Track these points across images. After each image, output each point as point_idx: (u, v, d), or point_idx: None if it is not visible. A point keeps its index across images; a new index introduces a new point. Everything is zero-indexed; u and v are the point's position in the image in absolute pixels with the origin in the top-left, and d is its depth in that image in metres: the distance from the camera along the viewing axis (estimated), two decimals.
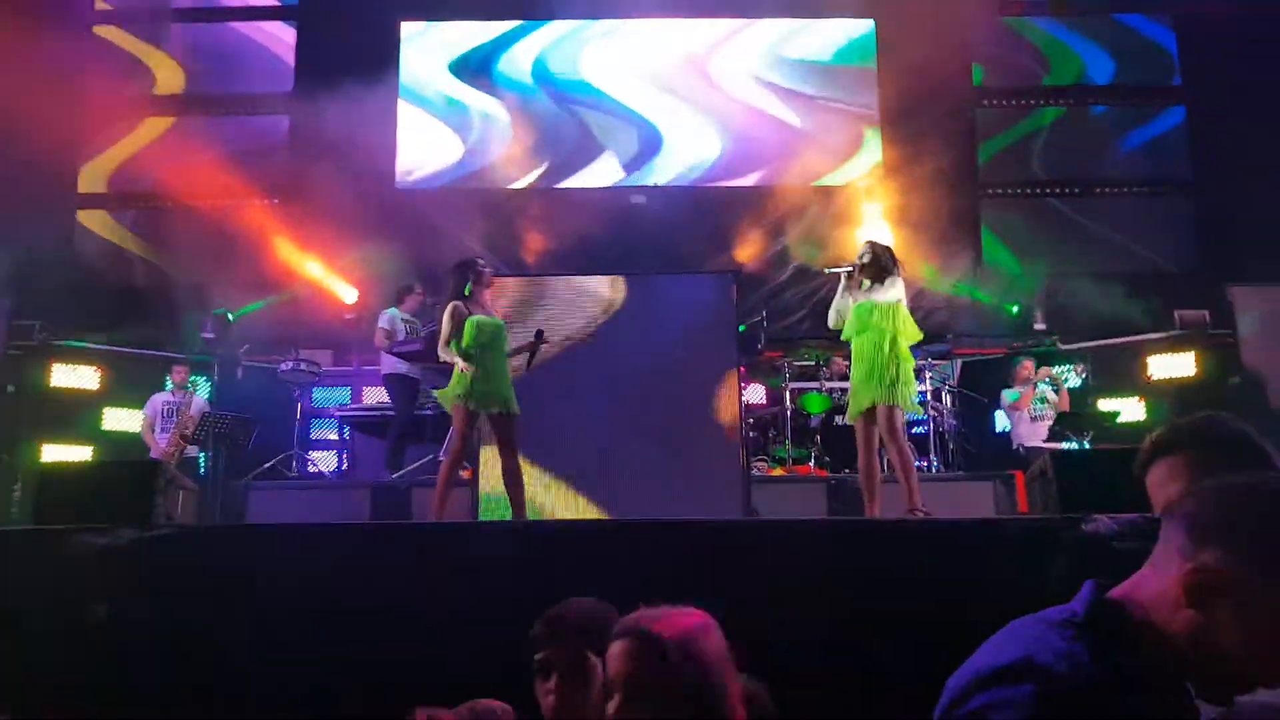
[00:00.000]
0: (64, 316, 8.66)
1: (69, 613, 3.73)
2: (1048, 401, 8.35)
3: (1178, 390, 8.79)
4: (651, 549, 4.18)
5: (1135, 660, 1.16)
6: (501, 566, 4.21)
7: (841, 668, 3.64)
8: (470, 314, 5.84)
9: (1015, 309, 10.09)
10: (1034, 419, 8.35)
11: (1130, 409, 8.91)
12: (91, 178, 9.92)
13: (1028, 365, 8.53)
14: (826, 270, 6.18)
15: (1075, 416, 8.13)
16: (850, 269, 5.88)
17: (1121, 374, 9.08)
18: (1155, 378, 9.04)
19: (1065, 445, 7.71)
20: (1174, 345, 8.96)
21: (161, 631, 3.74)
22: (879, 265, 5.83)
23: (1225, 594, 1.13)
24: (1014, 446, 8.35)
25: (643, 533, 4.50)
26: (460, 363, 5.72)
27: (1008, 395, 8.51)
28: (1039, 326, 9.75)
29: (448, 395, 5.82)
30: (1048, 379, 8.43)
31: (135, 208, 9.82)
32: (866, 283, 5.84)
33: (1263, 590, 1.11)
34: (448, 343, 5.80)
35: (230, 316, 8.89)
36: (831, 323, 6.01)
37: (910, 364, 5.80)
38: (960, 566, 4.04)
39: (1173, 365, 8.98)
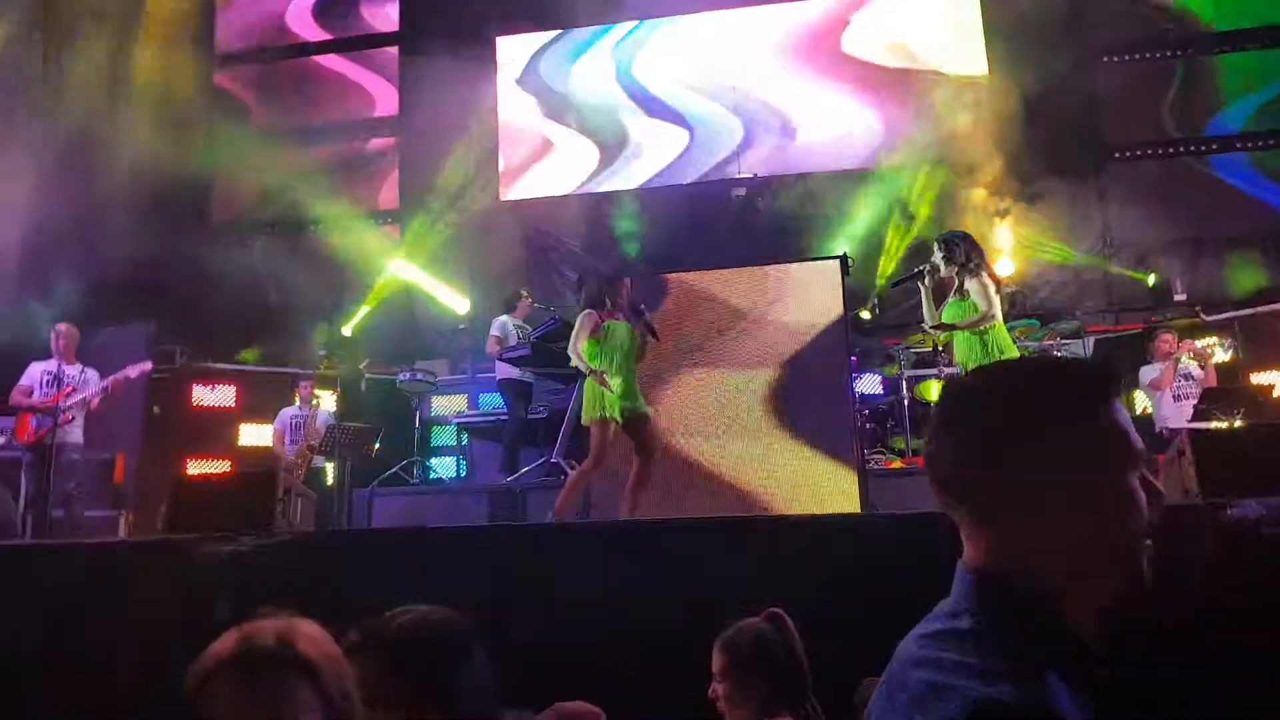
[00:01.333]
0: (201, 340, 9.16)
1: (197, 620, 3.89)
2: (1192, 378, 7.75)
3: None
4: (762, 546, 4.10)
5: (1060, 642, 1.06)
6: (604, 565, 4.20)
7: None
8: (605, 320, 5.82)
9: (1152, 278, 9.47)
10: (1177, 398, 7.74)
11: None
12: (220, 207, 10.51)
13: (1168, 339, 7.88)
14: (892, 282, 6.02)
15: (1224, 393, 7.54)
16: (922, 270, 5.78)
17: (1276, 345, 8.40)
18: None
19: (1213, 425, 7.17)
20: None
21: None
22: (951, 261, 5.71)
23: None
24: (1156, 430, 7.81)
25: (754, 529, 4.42)
26: (607, 382, 5.66)
27: (1146, 373, 7.95)
28: (1179, 297, 9.11)
29: (605, 410, 5.70)
30: (1190, 354, 7.84)
31: (262, 234, 10.29)
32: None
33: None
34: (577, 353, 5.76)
35: (345, 331, 9.19)
36: (928, 326, 5.94)
37: (1012, 351, 5.65)
38: None
39: None
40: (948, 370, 7.95)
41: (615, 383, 5.67)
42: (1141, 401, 8.52)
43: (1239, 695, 3.28)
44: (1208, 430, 6.38)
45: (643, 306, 6.09)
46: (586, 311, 5.86)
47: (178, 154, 9.28)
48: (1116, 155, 10.12)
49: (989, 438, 1.12)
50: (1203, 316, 8.54)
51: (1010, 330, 8.09)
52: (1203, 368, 7.71)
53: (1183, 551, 3.87)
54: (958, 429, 1.15)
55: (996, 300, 5.78)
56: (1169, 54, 10.26)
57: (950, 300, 5.89)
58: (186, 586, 3.97)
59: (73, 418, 6.99)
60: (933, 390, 7.98)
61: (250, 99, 10.42)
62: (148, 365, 7.18)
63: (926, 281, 5.87)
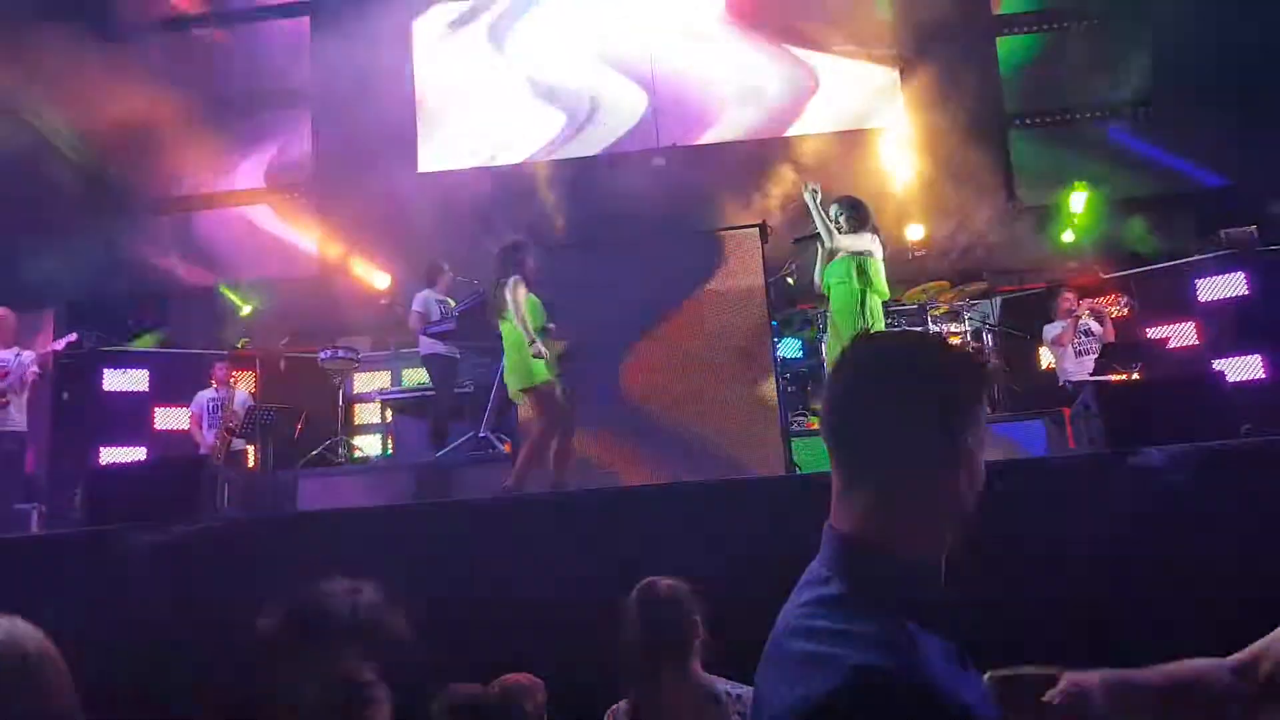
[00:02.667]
0: (110, 323, 8.85)
1: (126, 610, 3.84)
2: (1092, 334, 8.13)
3: (1231, 311, 8.54)
4: (689, 509, 4.19)
5: (923, 598, 1.15)
6: (541, 538, 4.25)
7: None
8: (529, 293, 5.90)
9: (1067, 236, 9.83)
10: (1079, 354, 8.13)
11: (1182, 334, 8.69)
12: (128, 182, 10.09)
13: (1068, 297, 8.27)
14: (794, 239, 6.23)
15: (1122, 347, 7.92)
16: (813, 232, 6.01)
17: (1170, 299, 8.83)
18: (1205, 300, 8.81)
19: (1113, 378, 7.53)
20: (1222, 265, 8.70)
21: (213, 623, 3.82)
22: (846, 219, 6.00)
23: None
24: (1060, 383, 8.18)
25: (678, 494, 4.51)
26: (538, 346, 5.75)
27: (1049, 330, 8.32)
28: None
29: (539, 377, 5.79)
30: (1089, 311, 8.21)
31: (173, 211, 9.94)
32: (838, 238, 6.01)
33: None
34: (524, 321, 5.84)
35: (237, 301, 8.99)
36: (816, 285, 6.17)
37: (880, 323, 5.93)
38: (1008, 507, 3.98)
39: (1223, 286, 8.73)
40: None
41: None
42: (1046, 357, 8.91)
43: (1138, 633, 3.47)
44: (1110, 383, 6.70)
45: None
46: (517, 278, 5.89)
47: (84, 128, 8.90)
48: (1018, 122, 10.50)
49: (903, 399, 1.20)
50: (1100, 274, 8.92)
51: (921, 290, 8.44)
52: (1100, 323, 8.09)
53: (1091, 500, 4.11)
54: (872, 385, 1.23)
55: (875, 246, 6.11)
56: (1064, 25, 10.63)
57: (834, 260, 6.14)
58: (116, 579, 3.90)
59: (8, 401, 6.68)
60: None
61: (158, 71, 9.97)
62: (73, 336, 6.89)
63: (826, 243, 6.10)
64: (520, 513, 4.70)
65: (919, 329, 7.64)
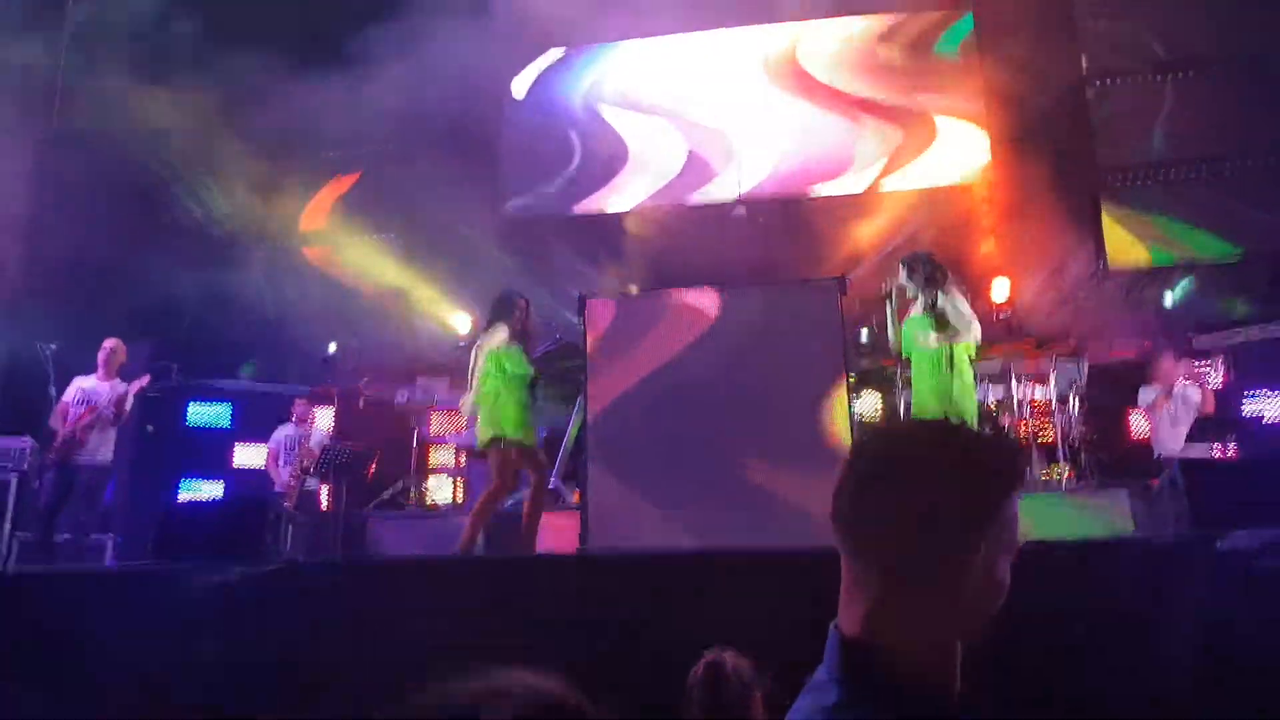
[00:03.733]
0: (198, 357, 9.14)
1: (185, 647, 3.89)
2: (1190, 403, 7.70)
3: None
4: (758, 579, 4.08)
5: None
6: (608, 596, 4.18)
7: None
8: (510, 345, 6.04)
9: (1174, 293, 9.46)
10: (1174, 423, 7.70)
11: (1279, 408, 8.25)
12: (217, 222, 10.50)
13: (1167, 361, 7.82)
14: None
15: (1215, 420, 7.52)
16: (889, 289, 5.86)
17: (1267, 369, 8.38)
18: None
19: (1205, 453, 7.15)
20: None
21: (270, 663, 3.86)
22: (913, 279, 5.83)
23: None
24: (1155, 455, 7.77)
25: (748, 562, 4.41)
26: (465, 405, 6.08)
27: (1145, 395, 7.91)
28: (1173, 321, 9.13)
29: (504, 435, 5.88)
30: (1185, 377, 7.80)
31: (259, 249, 10.26)
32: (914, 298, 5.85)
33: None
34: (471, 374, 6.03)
35: (331, 351, 9.20)
36: (891, 348, 6.01)
37: (968, 377, 5.74)
38: (1076, 590, 3.77)
39: None
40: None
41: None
42: (1140, 426, 8.53)
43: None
44: (1198, 460, 6.36)
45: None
46: (495, 331, 6.05)
47: (175, 169, 9.30)
48: (1107, 181, 10.18)
49: (911, 504, 1.13)
50: (1193, 341, 8.52)
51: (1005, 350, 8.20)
52: (1200, 391, 7.67)
53: (1176, 584, 3.87)
54: (882, 486, 1.16)
55: (970, 316, 5.90)
56: (1160, 76, 10.33)
57: (912, 315, 5.95)
58: (174, 616, 3.97)
59: (88, 436, 6.73)
60: None
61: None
62: (146, 379, 7.12)
63: (893, 301, 5.93)
64: (587, 570, 4.66)
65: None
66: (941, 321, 5.89)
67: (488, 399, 5.99)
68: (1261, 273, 9.14)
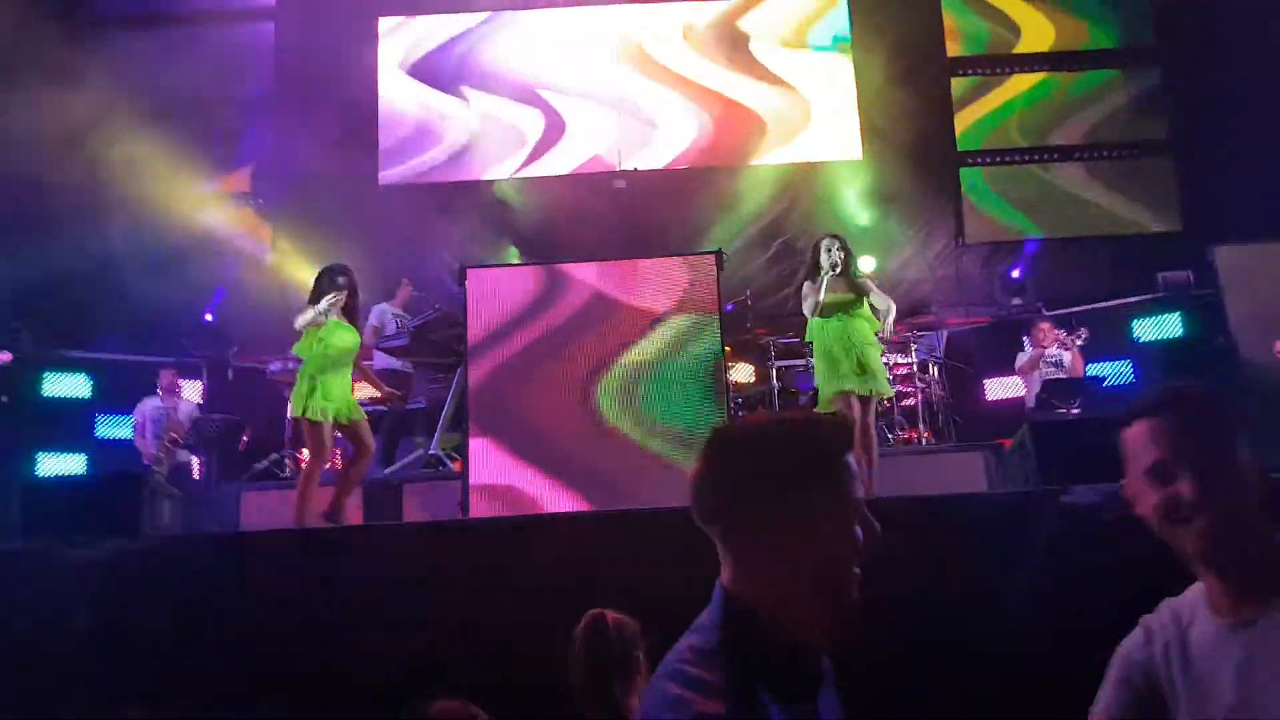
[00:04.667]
0: (53, 325, 8.68)
1: (58, 626, 3.79)
2: (1062, 366, 8.24)
3: (1165, 352, 8.81)
4: (633, 537, 4.23)
5: (778, 661, 1.26)
6: (488, 563, 4.26)
7: None
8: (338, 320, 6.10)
9: (1015, 273, 10.11)
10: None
11: (1119, 374, 8.95)
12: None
13: (1042, 327, 8.37)
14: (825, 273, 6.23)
15: (1062, 384, 8.11)
16: (833, 266, 6.10)
17: (1108, 338, 9.08)
18: (1142, 340, 9.08)
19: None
20: (1159, 307, 8.98)
21: (146, 641, 3.80)
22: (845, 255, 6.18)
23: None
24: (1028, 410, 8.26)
25: (624, 521, 4.56)
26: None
27: (1019, 359, 8.48)
28: (1023, 296, 9.76)
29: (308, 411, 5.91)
30: (1057, 343, 8.35)
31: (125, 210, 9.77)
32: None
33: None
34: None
35: (207, 318, 8.91)
36: (809, 311, 6.23)
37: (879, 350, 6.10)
38: (936, 543, 4.07)
39: (1159, 327, 9.01)
40: (813, 360, 8.29)
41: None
42: (992, 390, 9.12)
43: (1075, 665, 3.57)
44: (1044, 421, 6.86)
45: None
46: (322, 305, 6.04)
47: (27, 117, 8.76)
48: (969, 161, 10.77)
49: (739, 479, 1.32)
50: (1043, 311, 9.15)
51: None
52: (1070, 355, 8.23)
53: (1019, 536, 4.21)
54: (717, 467, 1.35)
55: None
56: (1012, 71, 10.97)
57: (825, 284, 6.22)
58: (47, 594, 3.85)
59: None
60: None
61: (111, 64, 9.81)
62: (7, 356, 6.78)
63: (824, 271, 6.20)
64: (465, 537, 4.72)
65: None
66: (861, 291, 6.26)
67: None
68: (1100, 253, 9.85)
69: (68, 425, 8.38)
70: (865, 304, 6.27)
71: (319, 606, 4.02)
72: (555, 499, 6.55)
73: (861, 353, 6.10)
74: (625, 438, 6.66)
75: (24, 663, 3.66)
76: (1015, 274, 10.08)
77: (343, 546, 4.53)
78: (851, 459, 1.35)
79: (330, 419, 5.90)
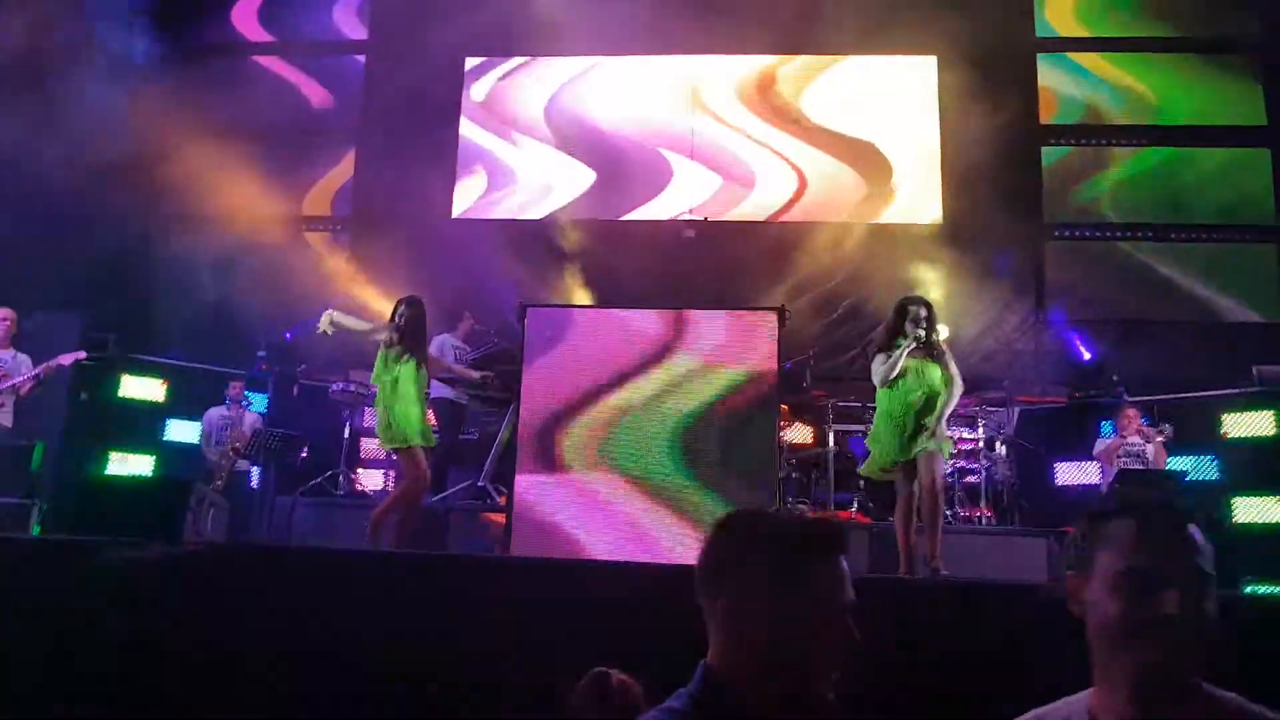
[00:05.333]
0: (135, 331, 9.02)
1: (92, 624, 3.86)
2: (1142, 457, 7.88)
3: (1255, 452, 8.34)
4: (662, 594, 4.14)
5: None
6: (530, 604, 4.21)
7: None
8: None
9: (1087, 355, 9.78)
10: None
11: (1202, 469, 8.51)
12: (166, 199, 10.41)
13: (1129, 414, 8.03)
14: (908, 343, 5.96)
15: (1139, 475, 7.72)
16: (918, 338, 5.85)
17: (1193, 431, 8.63)
18: (1230, 436, 8.63)
19: None
20: (1252, 402, 8.53)
21: (181, 647, 3.84)
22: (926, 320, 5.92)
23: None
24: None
25: (658, 579, 4.47)
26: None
27: (1098, 444, 8.18)
28: (1114, 377, 9.36)
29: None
30: (1139, 433, 8.00)
31: (208, 229, 10.15)
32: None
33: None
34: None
35: (287, 335, 9.15)
36: (878, 380, 5.99)
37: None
38: (988, 632, 3.89)
39: (1250, 424, 8.52)
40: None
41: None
42: (1063, 475, 8.77)
43: None
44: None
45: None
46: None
47: (124, 139, 9.18)
48: (1055, 235, 10.49)
49: (722, 563, 1.44)
50: (1125, 396, 8.77)
51: None
52: (1150, 446, 7.87)
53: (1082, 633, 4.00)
54: (708, 549, 1.47)
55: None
56: (1110, 141, 10.68)
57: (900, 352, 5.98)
58: (80, 591, 3.94)
59: (2, 403, 6.88)
60: None
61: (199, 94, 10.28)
62: (80, 354, 7.08)
63: (912, 345, 5.94)
64: (502, 574, 4.69)
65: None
66: (942, 363, 5.97)
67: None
68: (1189, 339, 9.46)
69: (141, 426, 8.65)
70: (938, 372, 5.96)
71: (346, 629, 4.03)
72: (596, 543, 6.49)
73: (924, 418, 5.85)
74: (672, 488, 6.59)
75: (49, 655, 3.75)
76: (1086, 356, 9.74)
77: (377, 570, 4.54)
78: (843, 563, 1.42)
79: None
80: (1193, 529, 1.43)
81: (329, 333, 6.36)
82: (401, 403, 6.21)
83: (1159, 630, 1.35)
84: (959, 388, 6.06)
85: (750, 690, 1.36)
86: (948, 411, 5.98)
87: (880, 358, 6.03)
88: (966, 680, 3.63)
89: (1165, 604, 1.35)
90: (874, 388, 6.17)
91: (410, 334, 6.39)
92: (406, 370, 6.30)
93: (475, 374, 7.38)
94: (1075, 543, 1.53)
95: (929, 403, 5.87)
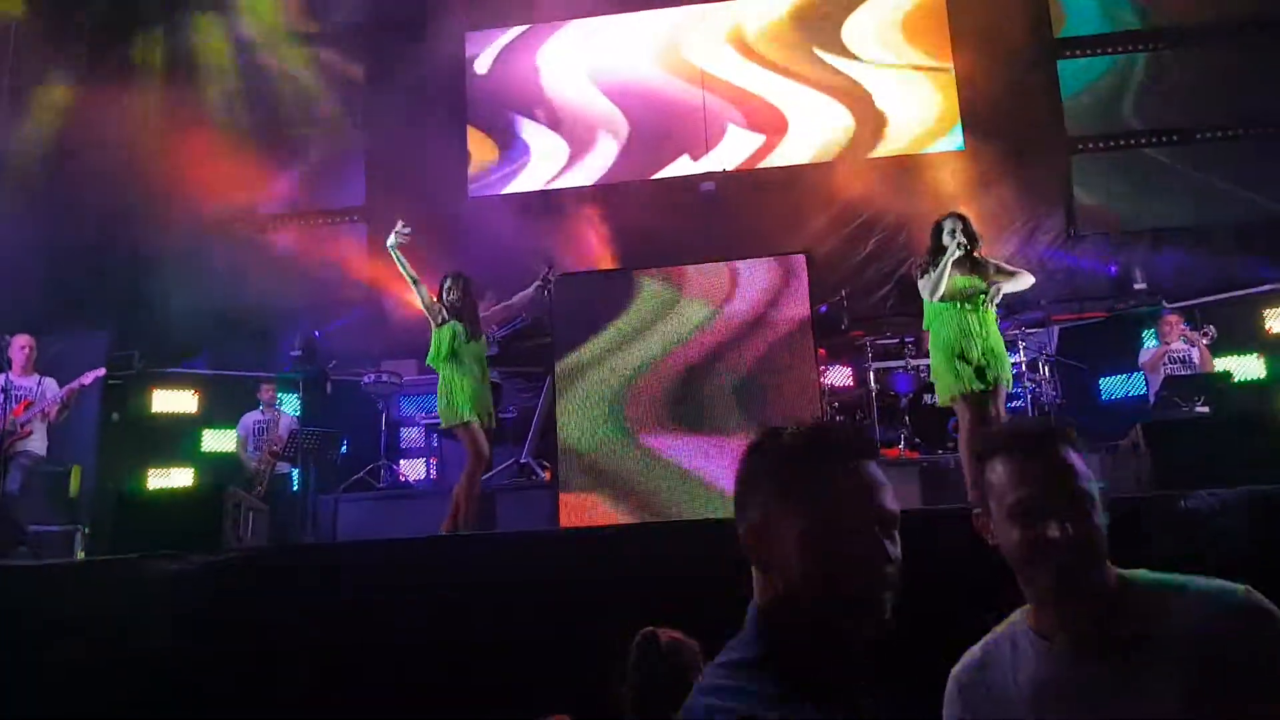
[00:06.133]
0: (161, 344, 9.01)
1: (142, 639, 3.83)
2: (1189, 362, 7.74)
3: None
4: (715, 548, 4.05)
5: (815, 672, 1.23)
6: (573, 574, 4.14)
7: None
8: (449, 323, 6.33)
9: (1112, 270, 9.55)
10: None
11: (1248, 367, 8.29)
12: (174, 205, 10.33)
13: (1169, 320, 7.89)
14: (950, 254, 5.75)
15: (1185, 380, 7.54)
16: (960, 245, 5.68)
17: (1237, 331, 8.40)
18: (1275, 331, 8.41)
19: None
20: None
21: (229, 655, 3.80)
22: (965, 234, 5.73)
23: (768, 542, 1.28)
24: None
25: (706, 529, 4.37)
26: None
27: (1143, 354, 8.04)
28: (1139, 286, 9.15)
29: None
30: (1183, 337, 7.83)
31: (219, 233, 10.09)
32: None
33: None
34: None
35: (315, 333, 9.11)
36: (928, 295, 5.81)
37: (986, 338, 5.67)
38: None
39: None
40: (914, 362, 7.95)
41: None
42: (1109, 388, 8.59)
43: None
44: (1159, 421, 6.37)
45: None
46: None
47: (128, 151, 9.15)
48: (1080, 148, 10.16)
49: (754, 489, 1.32)
50: (1164, 304, 8.55)
51: None
52: (1197, 350, 7.72)
53: (1130, 544, 3.87)
54: (739, 478, 1.36)
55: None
56: (1130, 47, 10.31)
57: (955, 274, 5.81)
58: (133, 607, 3.90)
59: (31, 431, 6.88)
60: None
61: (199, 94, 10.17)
62: (100, 371, 7.05)
63: (956, 253, 5.74)
64: (546, 547, 4.62)
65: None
66: (986, 275, 5.80)
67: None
68: (1225, 239, 9.19)
69: (177, 440, 8.66)
70: (989, 292, 5.75)
71: (401, 618, 3.97)
72: (642, 509, 6.44)
73: (982, 345, 5.67)
74: (713, 443, 6.51)
75: (101, 673, 3.72)
76: (1112, 270, 9.49)
77: (425, 556, 4.48)
78: (873, 468, 1.30)
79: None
80: (1070, 454, 1.56)
81: (397, 245, 6.30)
82: (460, 379, 6.18)
83: (1048, 553, 1.50)
84: (1025, 275, 5.88)
85: (812, 622, 1.24)
86: (1010, 288, 5.82)
87: (928, 276, 5.85)
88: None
89: (1049, 529, 1.50)
90: (914, 323, 6.03)
91: (464, 311, 6.33)
92: (468, 349, 6.28)
93: (514, 302, 7.05)
94: (975, 483, 1.64)
95: (984, 323, 5.71)
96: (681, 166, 10.60)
